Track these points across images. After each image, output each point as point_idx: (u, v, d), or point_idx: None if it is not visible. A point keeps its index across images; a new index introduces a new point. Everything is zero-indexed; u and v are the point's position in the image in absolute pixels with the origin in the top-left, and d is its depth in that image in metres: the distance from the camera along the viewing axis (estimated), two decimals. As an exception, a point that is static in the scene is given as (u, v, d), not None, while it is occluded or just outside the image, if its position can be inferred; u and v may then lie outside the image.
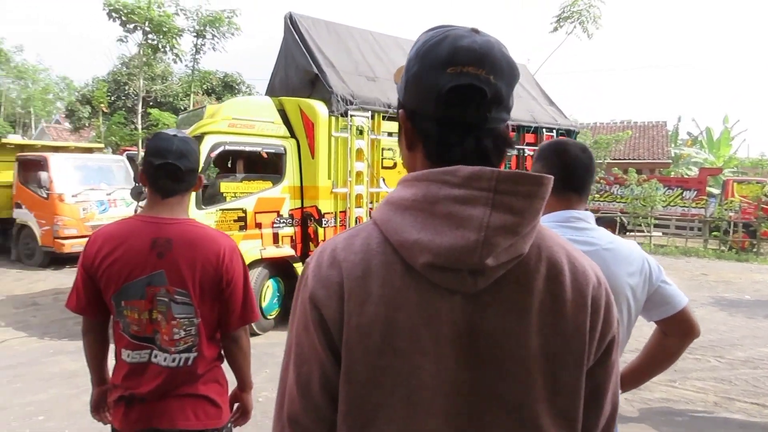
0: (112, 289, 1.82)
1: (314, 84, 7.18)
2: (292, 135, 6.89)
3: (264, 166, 6.95)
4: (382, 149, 7.32)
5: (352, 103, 6.91)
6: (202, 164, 6.10)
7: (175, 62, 15.90)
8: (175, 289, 1.81)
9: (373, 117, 7.16)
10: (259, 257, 6.46)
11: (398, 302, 0.83)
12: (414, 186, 0.85)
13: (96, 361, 2.02)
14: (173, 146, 1.85)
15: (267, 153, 6.76)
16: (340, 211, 6.95)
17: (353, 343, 0.84)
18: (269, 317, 6.65)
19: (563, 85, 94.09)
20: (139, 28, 14.05)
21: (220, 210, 6.27)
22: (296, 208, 6.82)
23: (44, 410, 4.36)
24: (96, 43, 64.34)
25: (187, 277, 1.81)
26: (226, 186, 6.41)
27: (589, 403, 0.89)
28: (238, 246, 1.99)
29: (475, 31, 0.87)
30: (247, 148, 6.53)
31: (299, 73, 7.37)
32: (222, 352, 1.99)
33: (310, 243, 6.82)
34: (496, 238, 0.80)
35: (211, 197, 6.32)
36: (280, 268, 6.71)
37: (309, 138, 6.79)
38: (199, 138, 6.23)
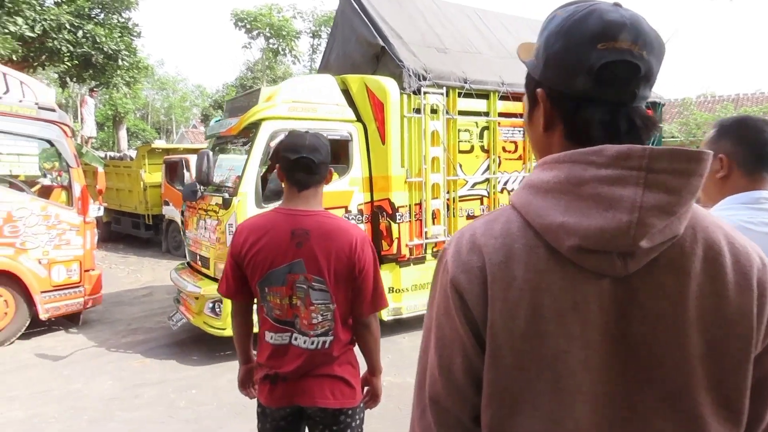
0: (257, 276, 1.98)
1: (379, 58, 6.27)
2: (358, 118, 6.01)
3: (338, 156, 6.07)
4: (458, 131, 6.39)
5: (425, 78, 5.99)
6: (261, 154, 5.28)
7: (294, 63, 17.77)
8: (313, 277, 1.95)
9: (447, 94, 6.23)
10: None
11: (543, 286, 0.82)
12: (555, 168, 0.83)
13: (242, 342, 2.21)
14: (306, 141, 2.01)
15: (330, 140, 5.90)
16: (415, 204, 6.07)
17: (498, 328, 0.83)
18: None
19: (696, 52, 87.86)
20: (261, 34, 15.36)
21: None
22: (366, 202, 5.97)
23: (195, 385, 4.90)
24: (224, 51, 72.90)
25: (323, 266, 1.94)
26: (288, 180, 5.58)
27: (756, 394, 0.85)
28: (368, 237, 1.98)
29: (617, 5, 0.86)
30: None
31: (361, 47, 6.47)
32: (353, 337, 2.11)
33: (383, 241, 5.97)
34: (651, 219, 0.77)
35: (272, 194, 5.50)
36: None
37: (378, 121, 5.90)
38: (256, 124, 5.41)
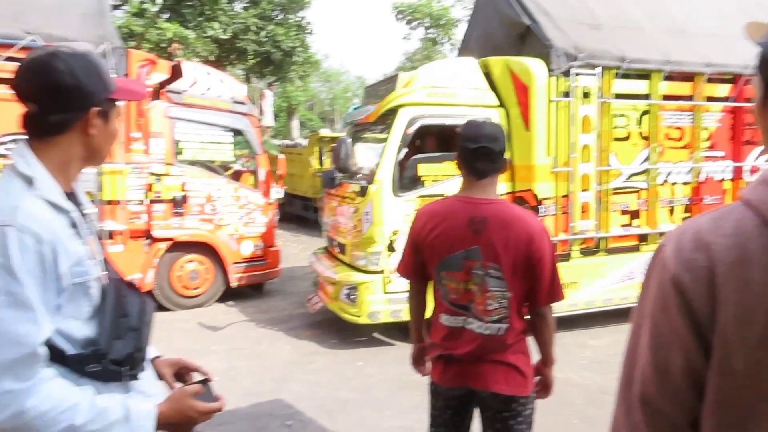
0: (435, 260, 2.05)
1: (524, 39, 5.84)
2: (500, 104, 5.64)
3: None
4: (614, 116, 5.75)
5: (576, 58, 5.45)
6: (399, 141, 5.15)
7: (452, 51, 18.06)
8: (489, 264, 1.98)
9: (601, 75, 5.62)
10: (464, 253, 5.37)
11: None
12: None
13: (416, 321, 2.30)
14: (486, 131, 2.05)
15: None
16: (562, 196, 5.57)
17: (729, 333, 0.77)
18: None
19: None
20: (420, 24, 16.12)
21: (420, 197, 5.28)
22: (507, 193, 5.59)
23: (363, 357, 5.16)
24: (385, 43, 78.63)
25: (500, 254, 1.96)
26: (425, 168, 5.40)
27: None
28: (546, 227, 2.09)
29: None
30: (449, 122, 5.43)
31: (504, 27, 6.08)
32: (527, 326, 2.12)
33: (523, 235, 5.55)
34: None
35: (409, 182, 5.36)
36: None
37: (522, 105, 5.49)
38: (393, 111, 5.29)
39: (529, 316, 2.11)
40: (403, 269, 2.26)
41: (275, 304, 7.01)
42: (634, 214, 5.93)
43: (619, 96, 5.72)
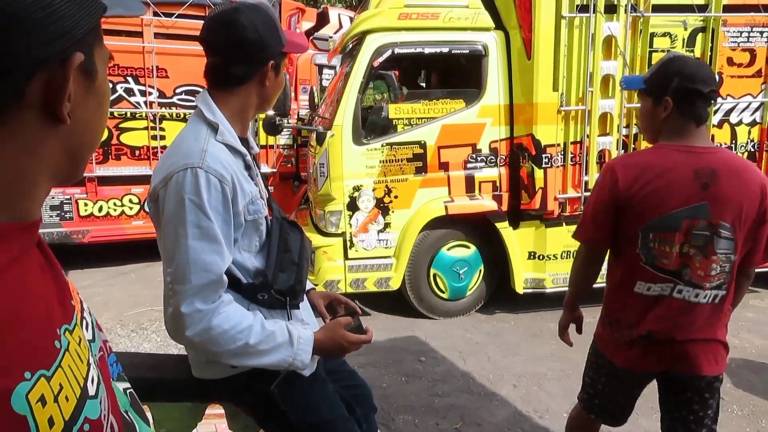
0: (645, 220, 1.81)
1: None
2: (498, 25, 4.46)
3: (466, 77, 4.70)
4: (652, 35, 4.37)
5: (598, -41, 4.11)
6: (362, 78, 4.21)
7: None
8: (720, 223, 1.77)
9: (636, -19, 4.25)
10: (444, 213, 4.42)
11: None
12: None
13: (584, 290, 2.07)
14: (708, 70, 1.87)
15: (457, 55, 4.49)
16: (572, 142, 4.39)
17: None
18: (455, 299, 4.65)
19: None
20: None
21: (386, 145, 4.34)
22: (502, 139, 4.51)
23: (496, 302, 4.84)
24: None
25: (733, 211, 1.77)
26: (395, 110, 4.42)
27: None
28: None
29: None
30: (429, 50, 4.35)
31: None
32: None
33: (523, 192, 4.50)
34: None
35: (375, 127, 4.43)
36: (474, 230, 4.58)
37: (524, 26, 4.28)
38: (359, 40, 4.31)
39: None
40: (595, 234, 1.91)
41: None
42: (676, 165, 4.62)
43: (660, 8, 4.32)
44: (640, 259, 1.84)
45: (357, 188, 4.31)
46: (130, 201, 5.70)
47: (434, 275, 4.54)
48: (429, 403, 3.35)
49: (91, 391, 0.58)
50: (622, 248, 1.89)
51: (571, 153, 4.39)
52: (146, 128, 5.62)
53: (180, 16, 5.42)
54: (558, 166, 4.38)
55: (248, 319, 1.32)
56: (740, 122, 4.65)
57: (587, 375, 2.10)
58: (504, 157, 4.52)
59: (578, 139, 4.38)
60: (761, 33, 4.51)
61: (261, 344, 1.32)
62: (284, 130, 4.64)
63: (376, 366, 3.79)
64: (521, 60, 4.34)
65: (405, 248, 4.43)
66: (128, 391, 0.75)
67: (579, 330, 2.15)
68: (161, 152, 5.50)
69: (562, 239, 4.53)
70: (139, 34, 5.40)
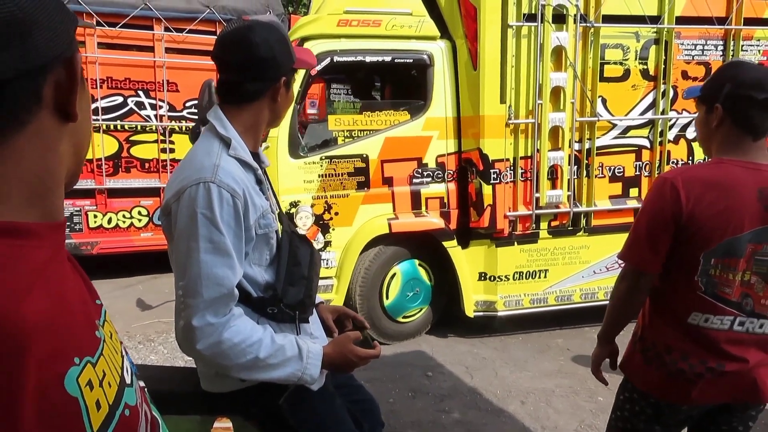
0: (707, 245, 1.62)
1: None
2: (444, 34, 4.26)
3: (412, 88, 4.47)
4: (602, 47, 4.21)
5: (545, -33, 3.95)
6: (298, 87, 3.94)
7: None
8: None
9: (585, -11, 4.09)
10: (387, 231, 4.15)
11: None
12: None
13: (626, 320, 1.84)
14: (764, 78, 1.65)
15: (400, 64, 4.26)
16: (522, 157, 4.18)
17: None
18: (401, 320, 4.36)
19: None
20: None
21: (325, 158, 4.08)
22: (449, 153, 4.27)
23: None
24: None
25: None
26: (335, 121, 4.18)
27: None
28: None
29: None
30: (370, 58, 4.12)
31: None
32: None
33: (472, 209, 4.26)
34: None
35: (315, 142, 4.18)
36: (419, 248, 4.32)
37: (469, 35, 4.08)
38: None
39: None
40: (651, 255, 1.67)
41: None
42: (631, 182, 4.43)
43: (611, 18, 4.16)
44: (698, 287, 1.66)
45: (294, 204, 4.03)
46: (139, 213, 5.73)
47: (393, 275, 4.24)
48: (436, 419, 3.32)
49: (128, 380, 0.63)
50: (674, 275, 1.69)
51: (521, 168, 4.17)
52: (156, 141, 5.67)
53: (190, 31, 5.55)
54: (507, 182, 4.15)
55: (258, 333, 1.34)
56: (696, 139, 4.49)
57: (620, 422, 1.84)
58: (452, 172, 4.28)
59: (528, 154, 4.17)
60: (715, 46, 4.38)
61: (271, 358, 1.33)
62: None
63: (383, 381, 3.73)
64: (468, 70, 4.14)
65: (347, 268, 4.14)
66: (144, 389, 0.77)
67: (613, 365, 1.91)
68: (171, 165, 5.65)
69: (514, 259, 4.29)
70: (151, 49, 5.51)
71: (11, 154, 0.55)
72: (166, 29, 5.50)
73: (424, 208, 4.25)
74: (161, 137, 5.66)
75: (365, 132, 4.15)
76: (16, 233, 0.54)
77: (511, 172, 4.16)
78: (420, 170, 4.23)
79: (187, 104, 5.74)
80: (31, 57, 0.53)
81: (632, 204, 4.41)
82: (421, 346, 4.31)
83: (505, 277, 4.30)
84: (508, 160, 4.13)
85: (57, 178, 0.61)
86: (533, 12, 3.99)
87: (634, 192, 4.45)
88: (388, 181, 4.19)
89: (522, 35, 4.02)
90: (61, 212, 0.63)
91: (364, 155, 4.12)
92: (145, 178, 5.69)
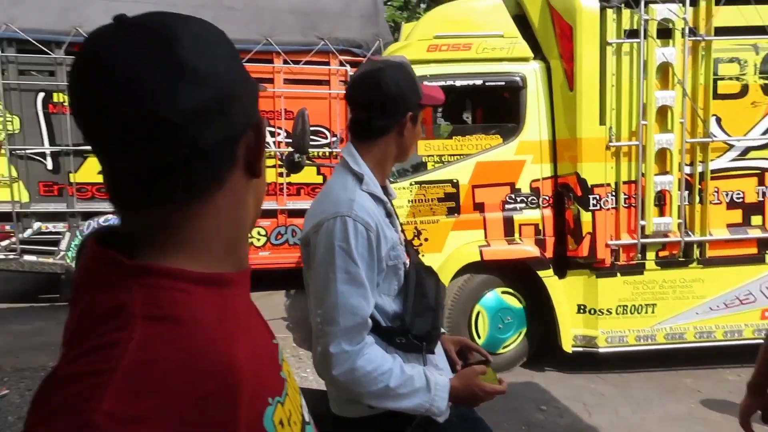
0: None
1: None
2: (538, 55, 4.12)
3: (504, 111, 4.36)
4: (715, 61, 3.87)
5: (648, -20, 3.73)
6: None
7: None
8: None
9: (693, 2, 3.80)
10: (478, 258, 3.99)
11: None
12: None
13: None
14: None
15: (491, 88, 4.15)
16: (625, 182, 3.89)
17: None
18: (500, 351, 4.13)
19: None
20: None
21: (415, 183, 4.02)
22: (544, 178, 4.07)
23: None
24: None
25: None
26: (425, 146, 4.13)
27: None
28: None
29: None
30: (460, 83, 4.06)
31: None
32: None
33: (569, 237, 4.00)
34: None
35: (404, 165, 4.14)
36: (512, 276, 4.11)
37: (565, 55, 3.91)
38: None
39: None
40: None
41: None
42: (753, 209, 3.98)
43: (724, 30, 3.83)
44: None
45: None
46: (258, 233, 5.97)
47: (477, 314, 4.07)
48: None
49: (307, 418, 0.68)
50: None
51: (624, 194, 3.88)
52: (275, 166, 5.92)
53: (306, 62, 5.87)
54: (609, 209, 3.87)
55: (389, 362, 1.38)
56: (832, 159, 3.98)
57: None
58: (547, 198, 4.07)
59: (632, 179, 3.88)
60: None
61: (400, 388, 1.37)
62: (304, 167, 4.42)
63: (494, 411, 3.53)
64: (564, 92, 3.95)
65: (435, 297, 4.02)
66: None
67: (766, 418, 1.74)
68: (287, 189, 5.99)
69: (617, 292, 3.96)
70: (270, 80, 5.87)
71: (212, 210, 0.61)
72: (285, 62, 5.83)
73: (517, 235, 4.06)
74: (279, 162, 5.88)
75: (455, 156, 4.06)
76: (223, 283, 0.61)
77: (613, 197, 3.88)
78: (513, 195, 4.06)
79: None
80: (235, 126, 0.61)
81: (755, 233, 3.95)
82: (534, 377, 4.14)
83: (607, 310, 3.98)
84: (609, 185, 3.86)
85: (245, 229, 0.68)
86: (635, 27, 3.76)
87: (757, 220, 3.99)
88: (479, 207, 4.05)
89: (623, 53, 3.79)
90: (247, 259, 0.69)
91: (455, 180, 4.03)
92: (265, 201, 5.89)
